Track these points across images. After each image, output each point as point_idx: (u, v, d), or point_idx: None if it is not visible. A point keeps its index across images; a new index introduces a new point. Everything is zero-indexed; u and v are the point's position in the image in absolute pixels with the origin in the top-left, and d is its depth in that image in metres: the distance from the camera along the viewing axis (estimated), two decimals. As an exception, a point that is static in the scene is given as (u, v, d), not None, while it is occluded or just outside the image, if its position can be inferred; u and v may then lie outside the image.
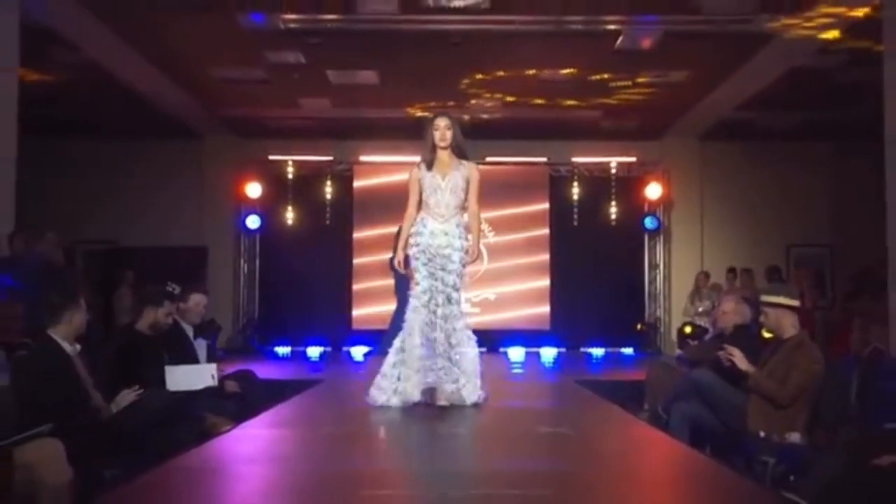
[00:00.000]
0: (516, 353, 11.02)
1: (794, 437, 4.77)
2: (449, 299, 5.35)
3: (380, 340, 8.72)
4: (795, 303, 5.23)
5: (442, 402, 5.28)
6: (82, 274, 10.41)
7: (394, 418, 5.12)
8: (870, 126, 8.58)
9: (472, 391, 5.37)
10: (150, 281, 6.33)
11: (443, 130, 5.40)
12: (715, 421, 5.13)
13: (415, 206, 5.50)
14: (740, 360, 5.11)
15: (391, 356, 5.46)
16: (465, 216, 5.54)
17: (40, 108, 10.16)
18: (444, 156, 5.45)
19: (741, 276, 11.96)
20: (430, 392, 5.35)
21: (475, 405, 5.34)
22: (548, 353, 11.47)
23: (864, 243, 10.51)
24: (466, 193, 5.48)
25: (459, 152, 5.47)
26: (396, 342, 5.47)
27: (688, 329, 11.42)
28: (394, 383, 5.37)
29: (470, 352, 5.40)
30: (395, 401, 5.33)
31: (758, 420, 4.93)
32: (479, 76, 10.21)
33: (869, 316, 7.39)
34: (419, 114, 11.33)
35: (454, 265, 5.36)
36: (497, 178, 11.53)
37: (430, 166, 5.45)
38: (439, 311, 5.31)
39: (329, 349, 11.60)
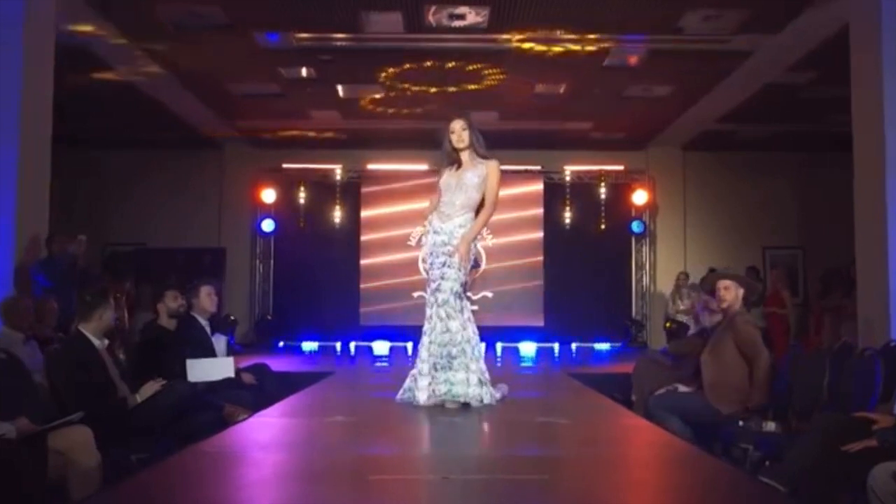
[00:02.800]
0: (510, 348, 10.99)
1: (770, 426, 4.78)
2: (447, 300, 4.94)
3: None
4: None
5: (451, 405, 4.89)
6: (109, 274, 10.40)
7: (399, 408, 5.07)
8: (836, 137, 8.59)
9: (484, 391, 4.96)
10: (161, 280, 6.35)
11: (459, 132, 5.04)
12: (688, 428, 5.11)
13: (430, 208, 5.18)
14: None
15: (416, 360, 5.15)
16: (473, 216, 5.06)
17: (75, 120, 10.17)
18: (464, 157, 5.08)
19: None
20: (441, 400, 4.93)
21: (489, 405, 4.94)
22: (542, 348, 11.44)
23: (834, 245, 10.52)
24: (481, 192, 5.05)
25: (479, 152, 5.08)
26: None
27: (668, 324, 11.41)
28: (412, 383, 5.11)
29: (471, 352, 4.98)
30: (418, 398, 5.03)
31: (721, 403, 5.00)
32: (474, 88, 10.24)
33: (839, 312, 7.39)
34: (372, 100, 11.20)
35: (454, 264, 4.96)
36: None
37: (452, 168, 5.12)
38: (440, 312, 4.95)
39: (339, 344, 11.58)
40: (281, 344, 12.31)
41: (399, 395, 5.21)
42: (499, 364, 9.06)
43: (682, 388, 5.33)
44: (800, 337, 9.57)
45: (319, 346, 11.65)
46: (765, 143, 12.79)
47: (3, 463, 3.41)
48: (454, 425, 4.54)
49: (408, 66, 9.52)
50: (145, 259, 12.30)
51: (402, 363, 8.93)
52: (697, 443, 4.62)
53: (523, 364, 9.67)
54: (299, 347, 11.98)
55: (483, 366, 5.11)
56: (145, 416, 4.72)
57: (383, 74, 9.88)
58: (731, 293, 5.26)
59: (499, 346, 10.79)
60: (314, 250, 13.08)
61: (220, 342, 6.37)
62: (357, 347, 10.10)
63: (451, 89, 10.26)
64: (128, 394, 4.86)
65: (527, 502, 2.85)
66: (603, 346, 12.41)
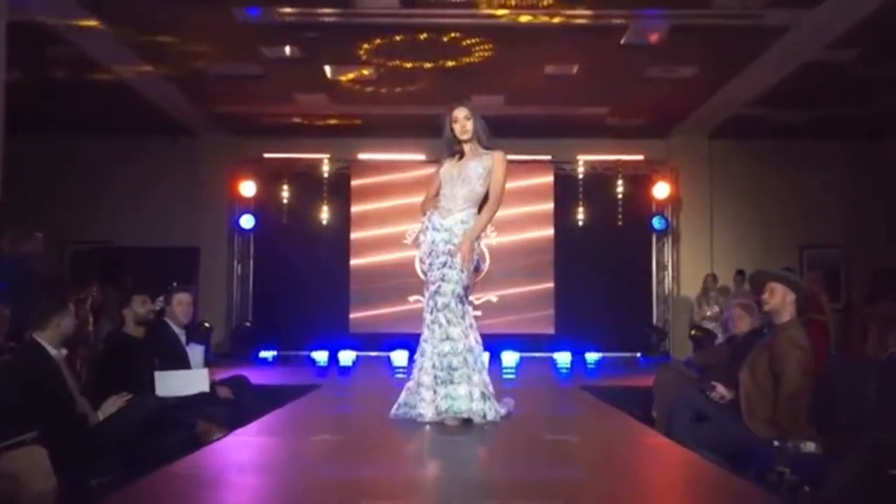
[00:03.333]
0: (515, 358, 10.94)
1: (810, 446, 4.72)
2: (447, 304, 4.97)
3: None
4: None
5: (451, 421, 4.90)
6: (70, 275, 10.38)
7: (392, 425, 5.07)
8: (885, 123, 8.55)
9: (487, 406, 4.99)
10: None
11: (462, 122, 5.07)
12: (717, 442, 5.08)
13: (426, 201, 5.23)
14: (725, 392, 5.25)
15: (414, 372, 5.18)
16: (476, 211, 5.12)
17: (31, 104, 10.15)
18: (466, 148, 5.12)
19: (751, 278, 11.90)
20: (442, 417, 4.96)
21: (493, 421, 4.97)
22: (552, 358, 11.40)
23: (879, 244, 10.50)
24: (486, 185, 5.09)
25: (483, 142, 5.12)
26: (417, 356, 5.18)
27: (693, 332, 11.39)
28: (408, 397, 5.14)
29: (473, 363, 4.99)
30: (423, 414, 5.03)
31: (757, 425, 4.94)
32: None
33: (887, 319, 7.33)
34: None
35: (455, 265, 4.97)
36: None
37: (453, 157, 5.16)
38: (440, 317, 4.96)
39: (325, 354, 11.56)
40: (261, 354, 12.26)
41: (393, 411, 5.20)
42: (504, 376, 9.00)
43: (721, 390, 5.24)
44: (841, 346, 9.54)
45: (304, 356, 11.60)
46: (801, 130, 12.75)
47: (-54, 488, 3.38)
48: (454, 444, 4.53)
49: (402, 43, 9.51)
50: (111, 259, 12.26)
51: (394, 374, 8.91)
52: (729, 465, 4.58)
53: (530, 376, 9.62)
54: (281, 357, 11.95)
55: (486, 378, 5.13)
56: (108, 434, 4.71)
57: (376, 53, 9.87)
58: (776, 298, 5.13)
59: (516, 356, 10.75)
60: (299, 249, 13.05)
61: (195, 352, 6.37)
62: (346, 357, 10.06)
63: (450, 68, 10.25)
64: (88, 410, 4.83)
65: (536, 532, 2.83)
66: (620, 356, 12.37)
